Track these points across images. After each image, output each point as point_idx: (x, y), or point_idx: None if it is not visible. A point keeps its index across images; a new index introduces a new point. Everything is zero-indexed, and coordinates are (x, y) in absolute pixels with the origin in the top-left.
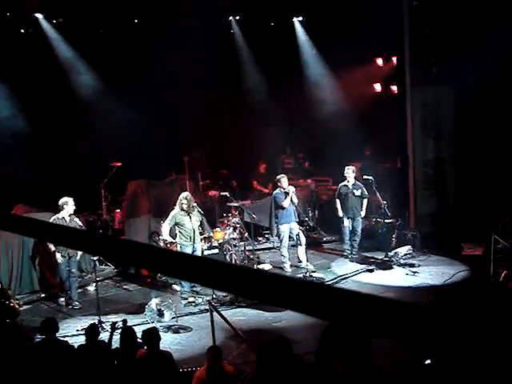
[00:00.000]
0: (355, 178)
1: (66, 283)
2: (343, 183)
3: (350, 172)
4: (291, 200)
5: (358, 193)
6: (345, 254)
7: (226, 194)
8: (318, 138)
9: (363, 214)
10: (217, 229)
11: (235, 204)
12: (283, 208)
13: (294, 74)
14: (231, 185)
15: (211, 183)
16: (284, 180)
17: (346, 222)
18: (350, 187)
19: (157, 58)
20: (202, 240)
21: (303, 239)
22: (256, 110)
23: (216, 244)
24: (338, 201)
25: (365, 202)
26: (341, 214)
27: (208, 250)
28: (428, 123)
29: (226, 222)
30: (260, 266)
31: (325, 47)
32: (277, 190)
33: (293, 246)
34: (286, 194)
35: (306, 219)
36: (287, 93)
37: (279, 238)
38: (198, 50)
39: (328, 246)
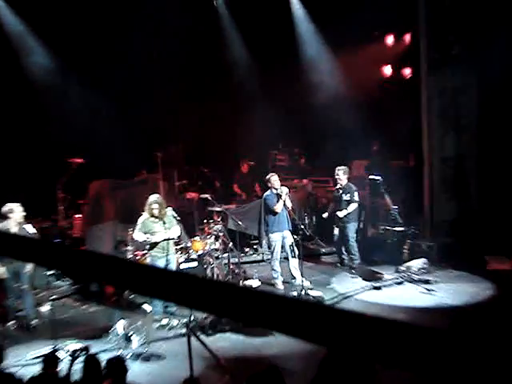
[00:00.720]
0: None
1: (16, 302)
2: (337, 186)
3: (340, 174)
4: (284, 204)
5: (346, 197)
6: (348, 269)
7: (207, 196)
8: (316, 130)
9: (341, 213)
10: (195, 238)
11: (218, 209)
12: (275, 213)
13: (287, 54)
14: (213, 186)
15: (189, 184)
16: (275, 179)
17: (335, 231)
18: (340, 191)
19: (125, 34)
20: (177, 251)
21: (297, 251)
22: (243, 97)
23: (194, 256)
24: (330, 206)
25: (351, 206)
26: (325, 216)
27: (185, 262)
28: (447, 113)
29: (206, 229)
30: (247, 283)
31: (324, 22)
32: (267, 192)
33: (286, 258)
34: (279, 196)
35: (302, 227)
36: (280, 77)
37: (270, 249)
38: (174, 25)
39: (327, 258)
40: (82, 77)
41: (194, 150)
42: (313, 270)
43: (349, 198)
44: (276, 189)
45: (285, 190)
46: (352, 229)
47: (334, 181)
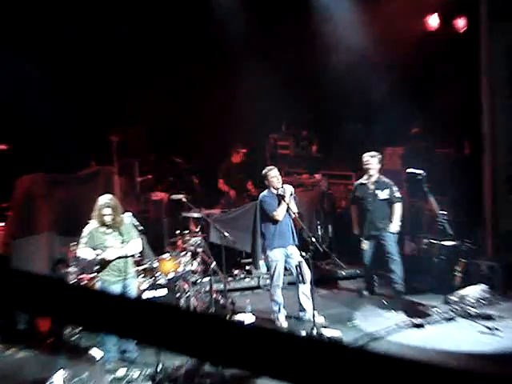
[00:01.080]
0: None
1: None
2: (360, 181)
3: (373, 162)
4: (288, 209)
5: (383, 195)
6: (379, 299)
7: (181, 197)
8: (332, 106)
9: (395, 226)
10: (165, 256)
11: (196, 215)
12: (275, 222)
13: (292, 1)
14: (190, 183)
15: (156, 180)
16: (274, 175)
17: (366, 245)
18: (371, 187)
19: None
20: (138, 274)
21: (308, 274)
22: (231, 58)
23: (163, 281)
24: (352, 209)
25: (397, 208)
26: (356, 230)
27: (150, 290)
28: None
29: (179, 244)
30: (237, 317)
31: None
32: (264, 192)
33: (291, 284)
34: (280, 198)
35: (313, 240)
36: (283, 30)
37: (268, 271)
38: None
39: (349, 284)
40: (6, 35)
41: (162, 133)
42: (328, 301)
43: (387, 197)
44: (276, 188)
45: (289, 189)
46: (394, 240)
47: (359, 175)
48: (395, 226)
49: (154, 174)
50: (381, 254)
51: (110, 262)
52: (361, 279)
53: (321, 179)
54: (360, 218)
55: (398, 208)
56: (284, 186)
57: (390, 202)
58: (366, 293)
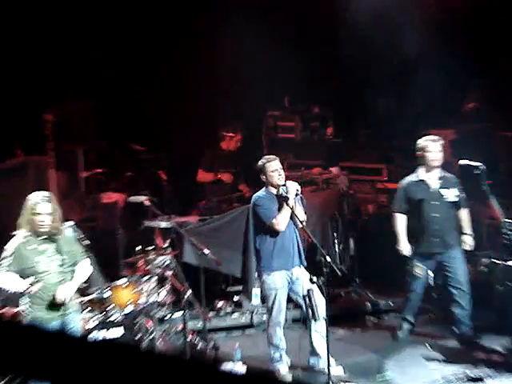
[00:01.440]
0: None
1: None
2: (412, 177)
3: (435, 149)
4: (292, 215)
5: (451, 195)
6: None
7: (144, 200)
8: (354, 74)
9: (471, 240)
10: (120, 282)
11: (163, 224)
12: (274, 234)
13: None
14: (155, 179)
15: (108, 176)
16: (274, 168)
17: (419, 269)
18: (433, 186)
19: None
20: (84, 307)
21: (321, 307)
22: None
23: (118, 316)
24: (397, 218)
25: (465, 215)
26: (406, 248)
27: (100, 329)
28: None
29: (141, 265)
30: (223, 366)
31: None
32: (259, 193)
33: (296, 321)
34: (282, 200)
35: (328, 260)
36: None
37: (265, 303)
38: None
39: (379, 321)
40: None
41: (117, 111)
42: (350, 345)
43: (456, 199)
44: (277, 186)
45: (293, 187)
46: (464, 262)
47: (393, 169)
48: (470, 239)
49: (105, 167)
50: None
51: (46, 290)
52: (395, 314)
53: (339, 175)
54: (412, 230)
55: (464, 215)
56: (287, 183)
57: (457, 207)
58: (402, 334)
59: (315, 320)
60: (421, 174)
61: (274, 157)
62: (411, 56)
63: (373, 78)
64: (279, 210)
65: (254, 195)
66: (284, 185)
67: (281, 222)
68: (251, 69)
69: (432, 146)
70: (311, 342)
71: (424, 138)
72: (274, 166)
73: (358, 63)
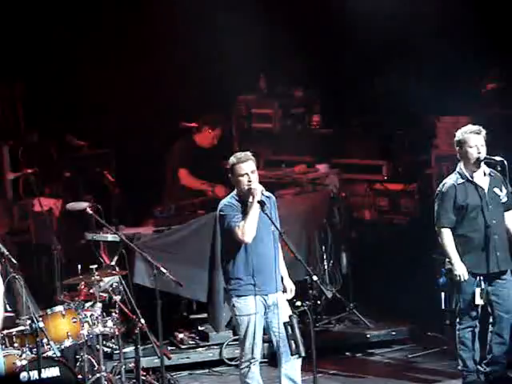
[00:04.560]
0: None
1: None
2: (453, 178)
3: (478, 141)
4: (266, 223)
5: (503, 196)
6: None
7: (85, 206)
8: (347, 48)
9: None
10: (57, 309)
11: (110, 237)
12: (246, 249)
13: None
14: (100, 181)
15: (41, 177)
16: (244, 169)
17: (479, 298)
18: (484, 186)
19: None
20: (9, 341)
21: (298, 341)
22: None
23: (54, 352)
24: (447, 234)
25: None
26: (463, 270)
27: (31, 369)
28: None
29: (82, 288)
30: None
31: None
32: (225, 200)
33: (273, 358)
34: (248, 205)
35: (315, 279)
36: None
37: (237, 334)
38: None
39: (380, 356)
40: None
41: (51, 96)
42: None
43: (506, 198)
44: (240, 188)
45: (259, 189)
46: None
47: (395, 166)
48: None
49: (37, 166)
50: None
51: None
52: (399, 346)
53: (328, 173)
54: (462, 246)
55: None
56: (253, 185)
57: (506, 209)
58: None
59: (299, 355)
60: (465, 172)
61: (247, 156)
62: (418, 27)
63: (370, 53)
64: (248, 216)
65: (220, 203)
66: (254, 188)
67: (246, 230)
68: (218, 44)
69: (475, 140)
70: None
71: (463, 130)
72: (243, 170)
73: (350, 35)
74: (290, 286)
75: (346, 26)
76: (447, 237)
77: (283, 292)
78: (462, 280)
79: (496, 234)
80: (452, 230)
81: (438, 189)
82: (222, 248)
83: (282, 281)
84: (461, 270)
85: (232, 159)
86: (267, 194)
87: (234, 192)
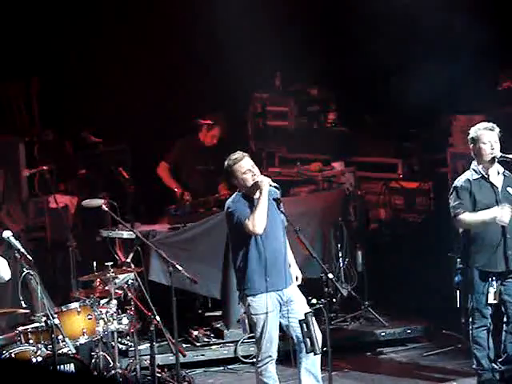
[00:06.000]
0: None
1: None
2: (468, 175)
3: (491, 138)
4: (278, 219)
5: None
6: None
7: (101, 203)
8: (362, 47)
9: None
10: (72, 306)
11: (126, 234)
12: (258, 246)
13: None
14: (115, 178)
15: (57, 174)
16: (244, 167)
17: (493, 297)
18: (498, 184)
19: None
20: (25, 339)
21: (320, 336)
22: None
23: (69, 349)
24: (467, 215)
25: None
26: (496, 212)
27: (46, 364)
28: None
29: (98, 285)
30: None
31: None
32: (232, 197)
33: (282, 360)
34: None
35: (330, 277)
36: None
37: (252, 332)
38: None
39: (395, 354)
40: None
41: (66, 92)
42: (357, 383)
43: None
44: (249, 187)
45: (265, 180)
46: None
47: (410, 163)
48: None
49: (52, 163)
50: None
51: None
52: (414, 345)
53: (343, 171)
54: (476, 242)
55: None
56: (260, 177)
57: None
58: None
59: (314, 353)
60: (480, 170)
61: (241, 154)
62: (431, 27)
63: (385, 52)
64: (257, 211)
65: (227, 202)
66: (260, 180)
67: (256, 222)
68: (235, 42)
69: (488, 136)
70: (300, 382)
71: (477, 127)
72: (244, 167)
73: (366, 35)
74: (296, 273)
75: (363, 24)
76: (469, 216)
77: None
78: (505, 221)
79: (509, 233)
80: (465, 230)
81: (453, 184)
82: (232, 247)
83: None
84: (497, 213)
85: (228, 162)
86: (275, 184)
87: (238, 192)
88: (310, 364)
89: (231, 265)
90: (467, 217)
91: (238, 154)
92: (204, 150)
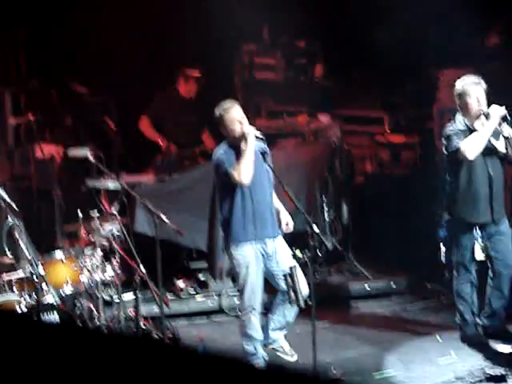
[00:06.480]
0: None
1: None
2: (454, 126)
3: (478, 93)
4: (263, 170)
5: (501, 147)
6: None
7: (86, 153)
8: None
9: None
10: (57, 255)
11: (111, 184)
12: (243, 196)
13: None
14: (100, 128)
15: (42, 123)
16: (234, 116)
17: (480, 252)
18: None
19: None
20: (8, 287)
21: (305, 289)
22: None
23: (53, 299)
24: (465, 141)
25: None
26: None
27: (31, 314)
28: None
29: (83, 235)
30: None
31: None
32: (219, 148)
33: (268, 312)
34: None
35: (315, 230)
36: None
37: (235, 283)
38: None
39: (378, 306)
40: None
41: (50, 42)
42: (342, 336)
43: (505, 150)
44: (234, 135)
45: (252, 131)
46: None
47: (394, 118)
48: None
49: (38, 112)
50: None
51: None
52: (398, 298)
53: (330, 124)
54: (458, 193)
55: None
56: (247, 127)
57: (510, 162)
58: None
59: (298, 306)
60: (460, 123)
61: (231, 103)
62: None
63: (372, 3)
64: (243, 160)
65: (214, 151)
66: (248, 131)
67: (243, 171)
68: None
69: (474, 90)
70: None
71: (463, 81)
72: (234, 116)
73: None
74: (287, 219)
75: None
76: (468, 140)
77: (280, 226)
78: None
79: (493, 185)
80: (452, 179)
81: (444, 133)
82: (219, 197)
83: (279, 215)
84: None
85: (218, 111)
86: (261, 136)
87: (225, 141)
88: (288, 316)
89: (217, 216)
90: (468, 144)
91: (228, 103)
92: (184, 102)
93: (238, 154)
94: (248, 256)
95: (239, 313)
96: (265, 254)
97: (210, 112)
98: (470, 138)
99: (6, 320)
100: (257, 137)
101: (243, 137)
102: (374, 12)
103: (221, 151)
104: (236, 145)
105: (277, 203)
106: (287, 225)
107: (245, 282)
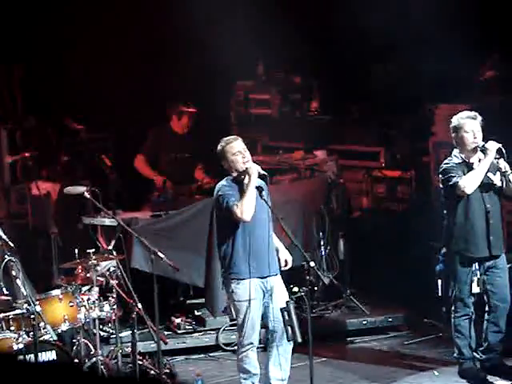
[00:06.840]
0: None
1: None
2: (451, 160)
3: (474, 127)
4: (263, 206)
5: (498, 181)
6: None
7: (83, 191)
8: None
9: None
10: (54, 293)
11: (108, 221)
12: (244, 232)
13: None
14: (98, 165)
15: (38, 161)
16: (235, 148)
17: (476, 286)
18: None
19: None
20: (5, 325)
21: (294, 327)
22: None
23: (50, 337)
24: (463, 178)
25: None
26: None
27: (27, 353)
28: None
29: (79, 272)
30: None
31: None
32: (222, 182)
33: (264, 347)
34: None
35: (312, 265)
36: None
37: (234, 319)
38: None
39: (376, 342)
40: None
41: (48, 79)
42: (338, 371)
43: (500, 184)
44: (239, 171)
45: (254, 168)
46: (507, 270)
47: (390, 153)
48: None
49: (35, 150)
50: None
51: None
52: (395, 333)
53: (326, 160)
54: (456, 229)
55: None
56: (250, 165)
57: (502, 195)
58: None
59: (295, 341)
60: (462, 156)
61: (234, 137)
62: (416, 15)
63: (368, 39)
64: (245, 197)
65: (217, 185)
66: (249, 166)
67: (245, 208)
68: (216, 29)
69: (471, 125)
70: (272, 365)
71: (460, 116)
72: (235, 148)
73: (348, 22)
74: (286, 257)
75: (345, 12)
76: (466, 178)
77: (279, 266)
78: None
79: (492, 218)
80: (450, 213)
81: (441, 168)
82: (218, 232)
83: (278, 254)
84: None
85: (220, 144)
86: (263, 172)
87: (229, 177)
88: (283, 352)
89: (214, 252)
90: (465, 179)
91: (231, 137)
92: (178, 138)
93: (241, 189)
94: (248, 292)
95: (236, 348)
96: (265, 290)
97: (205, 148)
98: (468, 175)
99: (3, 361)
100: (259, 173)
101: (246, 173)
102: (370, 48)
103: (223, 185)
104: (239, 180)
105: (276, 240)
106: (286, 262)
107: (245, 318)
